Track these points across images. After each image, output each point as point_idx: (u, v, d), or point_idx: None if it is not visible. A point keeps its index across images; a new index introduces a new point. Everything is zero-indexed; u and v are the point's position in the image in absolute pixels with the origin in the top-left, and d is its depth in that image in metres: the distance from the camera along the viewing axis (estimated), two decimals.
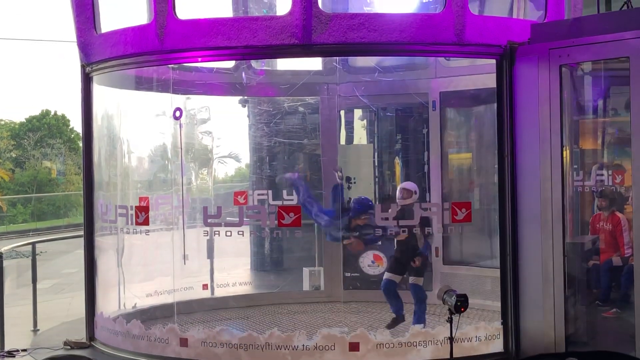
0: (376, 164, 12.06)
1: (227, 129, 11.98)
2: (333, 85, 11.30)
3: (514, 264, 8.35)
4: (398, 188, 9.30)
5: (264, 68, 11.68)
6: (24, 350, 9.46)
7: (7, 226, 35.52)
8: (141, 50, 8.69)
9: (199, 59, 9.24)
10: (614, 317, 9.29)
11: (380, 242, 10.17)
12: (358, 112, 12.68)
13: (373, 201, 11.60)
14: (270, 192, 10.15)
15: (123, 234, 9.51)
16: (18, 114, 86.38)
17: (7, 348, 9.54)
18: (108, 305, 9.71)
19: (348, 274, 11.19)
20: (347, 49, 8.43)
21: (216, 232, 8.90)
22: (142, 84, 10.00)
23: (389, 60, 10.86)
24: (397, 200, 9.08)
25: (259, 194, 10.16)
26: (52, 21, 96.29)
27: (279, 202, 9.74)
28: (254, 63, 11.29)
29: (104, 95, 9.82)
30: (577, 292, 8.69)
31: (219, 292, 11.41)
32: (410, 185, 9.35)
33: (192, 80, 10.72)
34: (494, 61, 8.49)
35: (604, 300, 9.68)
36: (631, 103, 7.55)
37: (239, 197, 9.77)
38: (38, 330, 10.65)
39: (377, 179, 12.06)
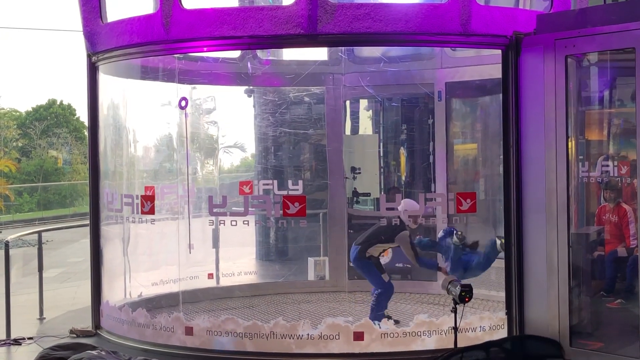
0: (381, 154, 12.08)
1: (232, 119, 12.00)
2: (338, 75, 11.30)
3: (518, 254, 8.35)
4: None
5: (270, 58, 11.69)
6: (30, 338, 9.51)
7: (14, 215, 35.64)
8: (147, 39, 8.70)
9: (205, 49, 9.25)
10: (619, 308, 9.29)
11: None
12: (363, 103, 12.69)
13: (380, 192, 11.64)
14: (275, 181, 10.19)
15: (129, 223, 9.54)
16: (24, 104, 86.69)
17: (13, 336, 9.59)
18: (114, 294, 9.75)
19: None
20: (353, 39, 8.42)
21: (221, 222, 8.92)
22: (147, 74, 10.02)
23: (395, 51, 10.87)
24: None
25: (264, 184, 10.19)
26: (59, 10, 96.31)
27: (284, 192, 9.75)
28: (259, 53, 11.30)
29: (110, 85, 9.85)
30: (582, 283, 8.69)
31: (224, 282, 11.44)
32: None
33: (197, 70, 10.73)
34: (499, 52, 8.47)
35: (609, 291, 9.69)
36: (636, 94, 7.54)
37: (244, 186, 9.79)
38: (44, 318, 10.70)
39: (382, 170, 12.07)
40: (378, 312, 9.08)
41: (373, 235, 9.19)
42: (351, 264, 9.64)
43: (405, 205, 8.94)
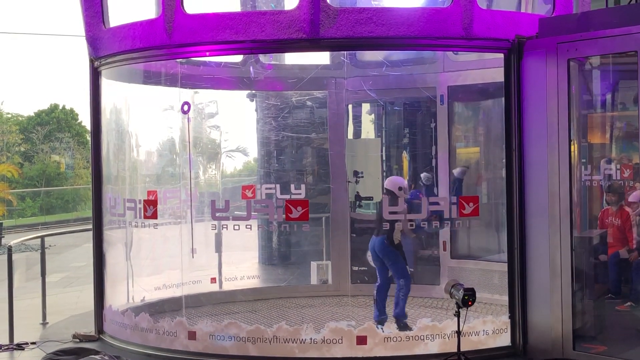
0: (384, 158, 12.07)
1: (235, 123, 12.02)
2: (341, 79, 11.30)
3: (521, 258, 8.35)
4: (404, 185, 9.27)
5: (272, 62, 11.69)
6: (33, 343, 9.51)
7: (17, 220, 35.61)
8: (149, 44, 8.71)
9: (207, 54, 9.25)
10: (625, 311, 9.27)
11: None
12: (366, 106, 12.69)
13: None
14: (278, 186, 10.18)
15: (131, 227, 9.54)
16: (26, 108, 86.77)
17: (16, 341, 9.59)
18: (117, 298, 9.75)
19: (355, 268, 11.22)
20: (355, 43, 8.43)
21: (224, 226, 8.93)
22: (150, 78, 10.03)
23: (397, 55, 10.88)
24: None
25: (266, 188, 10.19)
26: (61, 16, 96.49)
27: (287, 196, 9.76)
28: (261, 57, 11.30)
29: (113, 90, 9.85)
30: (585, 287, 8.69)
31: (227, 286, 11.45)
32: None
33: (200, 74, 10.74)
34: (502, 55, 8.48)
35: (617, 293, 9.66)
36: (639, 97, 7.54)
37: (247, 191, 9.81)
38: (47, 323, 10.71)
39: (385, 173, 12.06)
40: (404, 308, 9.20)
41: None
42: (371, 258, 9.53)
43: (394, 182, 9.18)
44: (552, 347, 8.14)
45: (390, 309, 9.33)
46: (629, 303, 9.37)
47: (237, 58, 11.15)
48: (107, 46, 9.24)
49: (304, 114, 12.07)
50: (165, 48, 8.66)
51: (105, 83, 9.74)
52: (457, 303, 7.25)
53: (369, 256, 10.17)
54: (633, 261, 9.69)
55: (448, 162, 10.96)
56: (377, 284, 9.38)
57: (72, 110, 54.32)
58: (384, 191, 9.24)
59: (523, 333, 8.37)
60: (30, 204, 40.34)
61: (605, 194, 10.15)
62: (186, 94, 10.10)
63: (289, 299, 11.23)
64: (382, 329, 8.42)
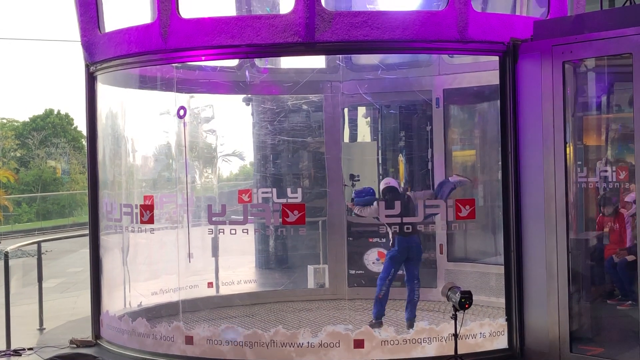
0: (380, 161, 12.08)
1: (231, 128, 12.01)
2: (336, 83, 11.32)
3: (518, 260, 8.36)
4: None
5: (268, 66, 11.71)
6: (30, 349, 9.50)
7: (13, 225, 35.60)
8: (145, 49, 8.71)
9: (203, 58, 9.26)
10: (622, 313, 9.27)
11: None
12: (362, 110, 12.70)
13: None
14: (274, 190, 10.18)
15: (128, 232, 9.54)
16: (22, 114, 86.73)
17: (13, 347, 9.58)
18: (114, 303, 9.74)
19: (352, 272, 11.23)
20: (351, 46, 8.43)
21: (221, 230, 8.93)
22: (146, 83, 10.03)
23: (392, 58, 10.90)
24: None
25: (263, 192, 10.19)
26: (56, 21, 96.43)
27: (283, 200, 9.76)
28: (257, 61, 11.31)
29: (108, 94, 9.86)
30: (582, 289, 8.69)
31: (224, 290, 11.44)
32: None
33: (195, 79, 10.75)
34: (497, 58, 8.49)
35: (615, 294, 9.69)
36: (634, 99, 7.55)
37: (244, 195, 9.79)
38: (44, 329, 10.69)
39: (381, 177, 12.07)
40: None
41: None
42: (398, 258, 9.54)
43: (392, 180, 9.47)
44: (549, 349, 8.15)
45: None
46: (629, 302, 9.39)
47: (233, 62, 11.16)
48: (103, 51, 9.24)
49: (300, 118, 12.08)
50: (160, 53, 8.66)
51: (101, 88, 9.74)
52: (454, 306, 7.25)
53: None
54: (619, 260, 9.72)
55: (444, 165, 10.97)
56: (388, 283, 9.39)
57: (67, 115, 54.31)
58: (387, 192, 9.23)
59: (520, 335, 8.37)
60: (26, 209, 40.31)
61: (601, 207, 10.16)
62: (182, 98, 10.11)
63: (286, 303, 11.23)
64: (379, 332, 8.42)
